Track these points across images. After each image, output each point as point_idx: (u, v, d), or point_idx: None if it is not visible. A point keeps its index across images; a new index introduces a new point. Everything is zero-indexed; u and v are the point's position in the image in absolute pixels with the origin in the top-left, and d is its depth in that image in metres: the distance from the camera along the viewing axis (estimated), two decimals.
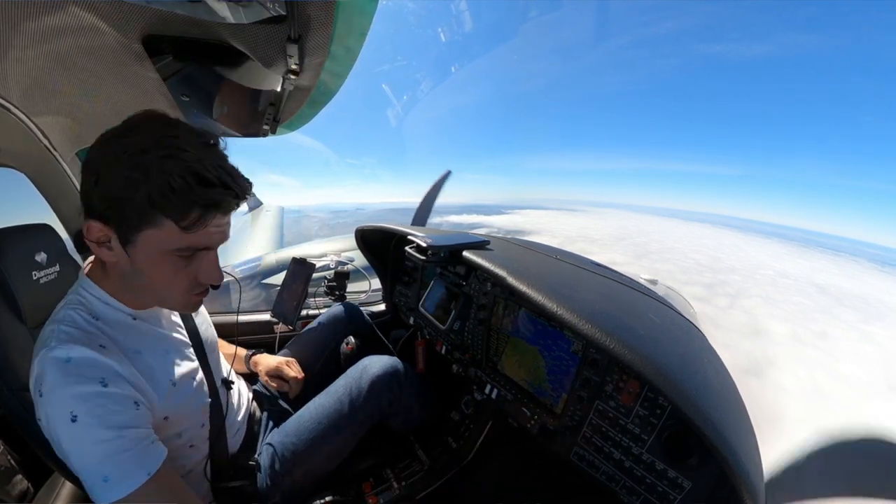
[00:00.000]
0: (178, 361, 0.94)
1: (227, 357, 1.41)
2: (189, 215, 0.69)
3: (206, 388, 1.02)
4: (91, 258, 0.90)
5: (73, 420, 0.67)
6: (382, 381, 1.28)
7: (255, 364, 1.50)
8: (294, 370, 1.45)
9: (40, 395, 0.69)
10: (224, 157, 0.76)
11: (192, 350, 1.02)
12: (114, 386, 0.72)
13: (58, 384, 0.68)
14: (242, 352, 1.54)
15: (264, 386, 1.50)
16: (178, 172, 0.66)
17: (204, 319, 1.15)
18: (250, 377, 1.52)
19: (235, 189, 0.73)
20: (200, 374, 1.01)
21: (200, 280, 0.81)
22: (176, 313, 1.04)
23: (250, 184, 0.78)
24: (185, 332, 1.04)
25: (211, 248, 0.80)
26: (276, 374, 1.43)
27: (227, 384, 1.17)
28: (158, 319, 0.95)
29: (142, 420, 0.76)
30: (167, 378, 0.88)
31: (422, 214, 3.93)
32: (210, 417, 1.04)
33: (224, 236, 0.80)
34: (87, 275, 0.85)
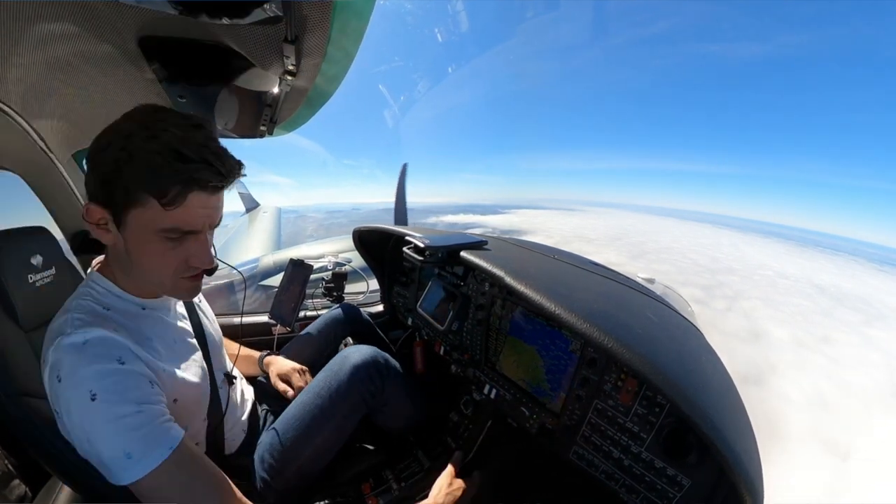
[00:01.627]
0: (184, 350, 0.97)
1: (233, 357, 1.41)
2: (169, 191, 0.70)
3: (207, 378, 1.03)
4: (101, 257, 0.93)
5: (93, 398, 0.67)
6: (362, 372, 1.26)
7: (268, 364, 1.50)
8: (303, 380, 1.44)
9: (59, 381, 0.69)
10: (211, 138, 0.75)
11: (195, 341, 1.04)
12: (130, 364, 0.74)
13: (76, 365, 0.69)
14: (255, 354, 1.55)
15: (264, 387, 1.50)
16: (158, 150, 0.68)
17: (208, 316, 1.17)
18: (252, 379, 1.52)
19: (217, 166, 0.73)
20: (204, 366, 1.03)
21: (191, 263, 0.81)
22: (181, 307, 1.06)
23: (240, 164, 0.78)
24: (190, 326, 1.05)
25: (198, 231, 0.79)
26: (286, 380, 1.42)
27: (230, 378, 1.17)
28: (167, 310, 0.97)
29: (158, 398, 0.77)
30: (174, 364, 0.90)
31: (400, 214, 3.96)
32: (209, 413, 1.04)
33: (212, 220, 0.80)
34: (97, 270, 0.88)
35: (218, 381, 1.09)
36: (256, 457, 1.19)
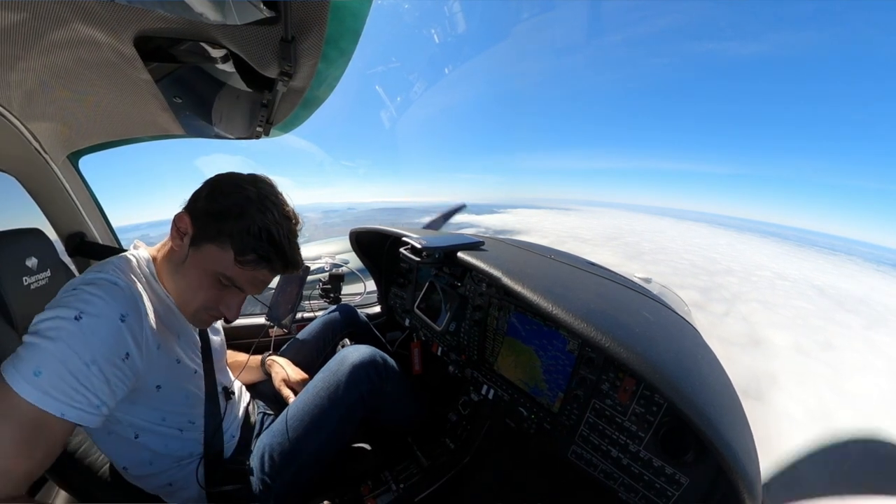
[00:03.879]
0: (184, 347, 1.01)
1: (238, 366, 1.45)
2: (247, 255, 0.87)
3: (201, 382, 1.07)
4: (136, 242, 1.02)
5: (77, 318, 0.69)
6: (361, 371, 1.27)
7: (271, 366, 1.51)
8: (297, 375, 1.46)
9: (72, 288, 0.74)
10: (295, 234, 0.95)
11: (199, 350, 1.09)
12: (126, 327, 0.75)
13: (96, 290, 0.74)
14: (257, 358, 1.56)
15: (260, 388, 1.50)
16: (259, 224, 0.86)
17: (217, 330, 1.26)
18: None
19: (288, 257, 0.92)
20: (199, 371, 1.07)
21: (220, 309, 0.94)
22: None
23: (303, 264, 0.98)
24: (198, 336, 1.10)
25: (244, 291, 0.94)
26: (292, 388, 1.42)
27: (228, 393, 1.20)
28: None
29: (115, 374, 0.74)
30: (173, 354, 0.94)
31: (434, 225, 4.01)
32: (205, 419, 1.06)
33: (258, 290, 0.96)
34: (146, 250, 0.97)
35: (218, 391, 1.13)
36: (255, 459, 1.18)
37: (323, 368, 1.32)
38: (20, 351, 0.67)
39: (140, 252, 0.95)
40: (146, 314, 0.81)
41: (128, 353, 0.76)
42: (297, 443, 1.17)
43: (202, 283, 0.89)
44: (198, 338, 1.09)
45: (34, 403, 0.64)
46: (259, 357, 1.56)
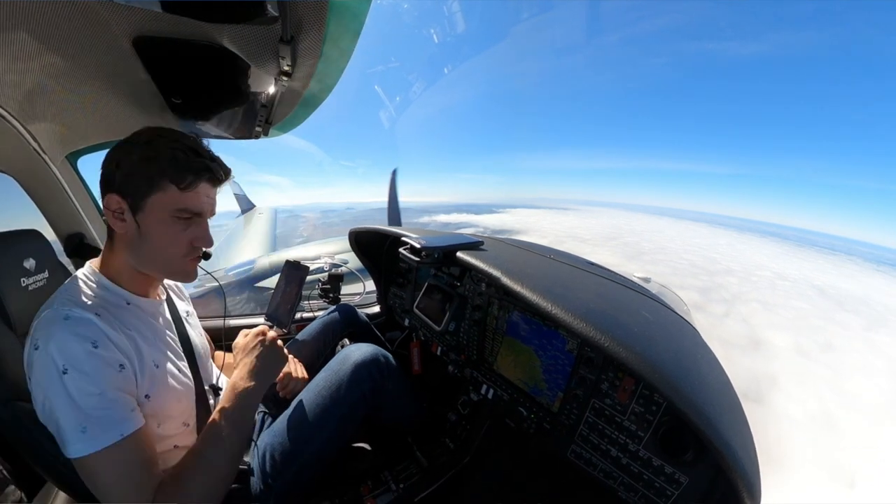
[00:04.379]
0: (164, 350, 1.00)
1: (232, 367, 1.42)
2: (186, 178, 0.88)
3: (191, 384, 1.05)
4: (91, 262, 0.99)
5: (64, 372, 0.74)
6: (363, 370, 1.26)
7: None
8: (300, 372, 1.38)
9: (35, 349, 0.76)
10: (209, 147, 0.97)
11: (180, 350, 1.08)
12: (103, 349, 0.79)
13: (53, 337, 0.76)
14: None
15: None
16: (180, 148, 0.88)
17: (196, 327, 1.23)
18: None
19: (218, 163, 0.95)
20: (187, 372, 1.05)
21: (195, 244, 0.95)
22: (168, 314, 1.08)
23: (230, 170, 0.99)
24: (176, 335, 1.08)
25: (203, 215, 0.95)
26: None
27: (216, 390, 1.19)
28: (153, 314, 1.02)
29: (125, 384, 0.82)
30: (151, 359, 0.93)
31: (394, 218, 3.96)
32: (198, 422, 1.05)
33: (212, 207, 0.98)
34: (91, 264, 0.97)
35: (206, 391, 1.12)
36: (255, 459, 1.18)
37: (325, 368, 1.32)
38: (60, 436, 0.74)
39: (83, 269, 0.95)
40: (108, 331, 0.83)
41: (121, 365, 0.82)
42: (298, 442, 1.16)
43: (165, 234, 0.90)
44: (177, 338, 1.08)
45: (98, 450, 0.74)
46: None
